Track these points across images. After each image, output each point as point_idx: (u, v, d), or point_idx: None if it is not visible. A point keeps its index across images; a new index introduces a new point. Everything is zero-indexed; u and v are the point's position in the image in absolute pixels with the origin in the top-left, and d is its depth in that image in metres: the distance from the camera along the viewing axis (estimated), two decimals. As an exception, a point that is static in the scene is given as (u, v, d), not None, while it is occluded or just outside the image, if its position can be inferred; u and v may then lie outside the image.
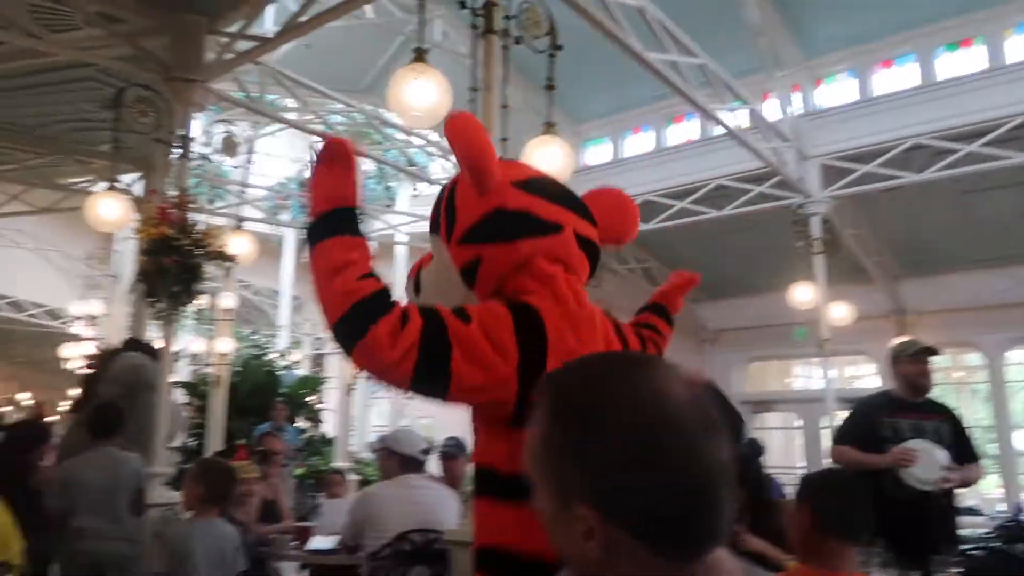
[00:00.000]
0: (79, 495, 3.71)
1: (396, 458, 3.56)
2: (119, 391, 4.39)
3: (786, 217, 7.79)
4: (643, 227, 8.25)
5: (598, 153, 9.43)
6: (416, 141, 8.17)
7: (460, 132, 1.47)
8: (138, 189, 6.98)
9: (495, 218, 1.49)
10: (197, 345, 11.16)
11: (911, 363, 3.78)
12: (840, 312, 7.15)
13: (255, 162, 5.49)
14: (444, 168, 8.52)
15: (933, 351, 3.80)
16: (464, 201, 1.52)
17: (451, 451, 4.54)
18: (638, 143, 9.18)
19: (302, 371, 14.50)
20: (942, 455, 3.49)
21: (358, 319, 1.25)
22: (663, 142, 8.84)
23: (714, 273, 10.47)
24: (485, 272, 1.50)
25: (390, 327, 1.25)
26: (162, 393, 4.40)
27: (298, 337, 16.19)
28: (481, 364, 1.30)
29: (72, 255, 14.31)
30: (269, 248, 11.90)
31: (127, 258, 9.88)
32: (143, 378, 4.59)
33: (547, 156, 3.76)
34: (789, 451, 11.12)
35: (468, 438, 1.53)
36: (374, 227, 11.49)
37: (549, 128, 3.84)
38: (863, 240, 8.66)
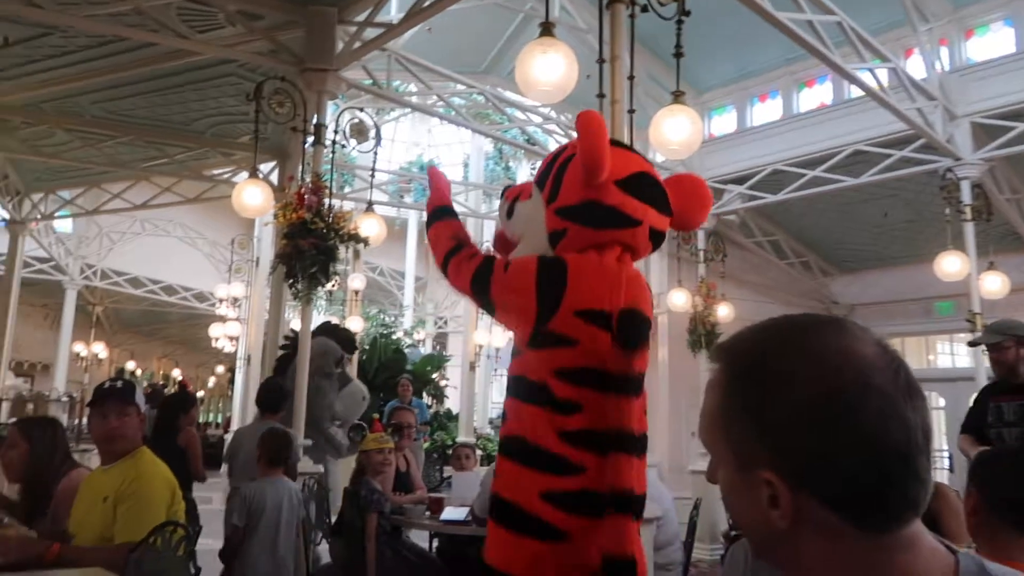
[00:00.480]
0: (247, 457, 4.22)
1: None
2: (310, 370, 4.96)
3: (930, 183, 7.26)
4: (771, 198, 8.01)
5: (722, 123, 9.10)
6: (535, 119, 8.18)
7: (587, 131, 1.85)
8: (275, 178, 7.39)
9: (591, 206, 1.90)
10: (330, 324, 11.77)
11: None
12: (994, 284, 6.60)
13: (382, 147, 5.68)
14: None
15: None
16: (572, 180, 1.91)
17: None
18: (765, 111, 8.78)
19: (426, 350, 14.99)
20: None
21: (445, 258, 2.13)
22: (792, 109, 8.41)
23: (847, 245, 9.94)
24: (567, 242, 1.93)
25: (458, 262, 2.09)
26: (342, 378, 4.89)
27: (422, 316, 16.71)
28: (507, 294, 1.97)
29: (217, 242, 15.38)
30: (393, 231, 12.31)
31: (267, 243, 10.48)
32: (326, 362, 5.09)
33: (675, 126, 3.67)
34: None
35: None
36: (494, 208, 11.63)
37: (678, 97, 3.73)
38: (1021, 205, 7.95)
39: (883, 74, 6.08)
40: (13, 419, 5.19)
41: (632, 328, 1.85)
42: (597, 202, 1.88)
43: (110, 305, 17.60)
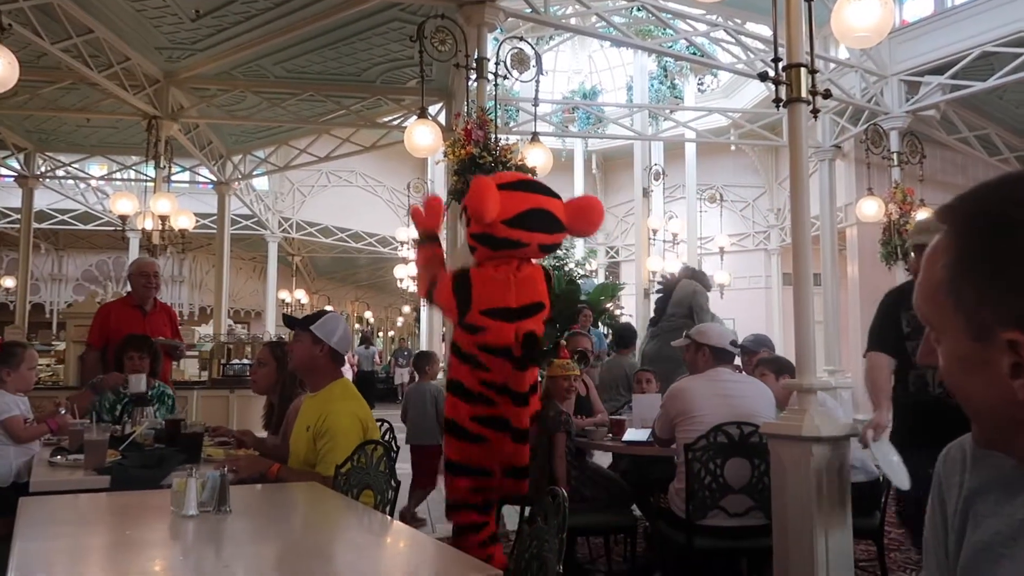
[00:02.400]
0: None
1: (705, 351, 3.53)
2: (682, 312, 5.61)
3: None
4: (979, 86, 7.09)
5: (915, 8, 8.11)
6: (700, 27, 7.72)
7: (472, 194, 2.88)
8: (443, 119, 7.59)
9: (487, 237, 2.93)
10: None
11: (915, 251, 3.11)
12: None
13: (543, 75, 5.64)
14: (732, 56, 7.97)
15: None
16: (474, 215, 2.90)
17: (752, 347, 4.40)
18: (968, -12, 7.71)
19: (599, 280, 15.00)
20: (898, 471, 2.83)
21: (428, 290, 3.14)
22: (1003, -20, 7.31)
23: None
24: (478, 256, 3.02)
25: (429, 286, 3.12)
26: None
27: (592, 247, 16.70)
28: (439, 301, 3.08)
29: (395, 188, 16.19)
30: (559, 163, 12.29)
31: (440, 183, 10.86)
32: (697, 303, 6.08)
33: (861, 10, 3.30)
34: None
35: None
36: (661, 128, 11.25)
37: (864, -20, 3.35)
38: None
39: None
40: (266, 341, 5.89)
41: (525, 349, 2.87)
42: (490, 235, 2.91)
43: (306, 255, 19.15)
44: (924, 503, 2.45)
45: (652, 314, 6.66)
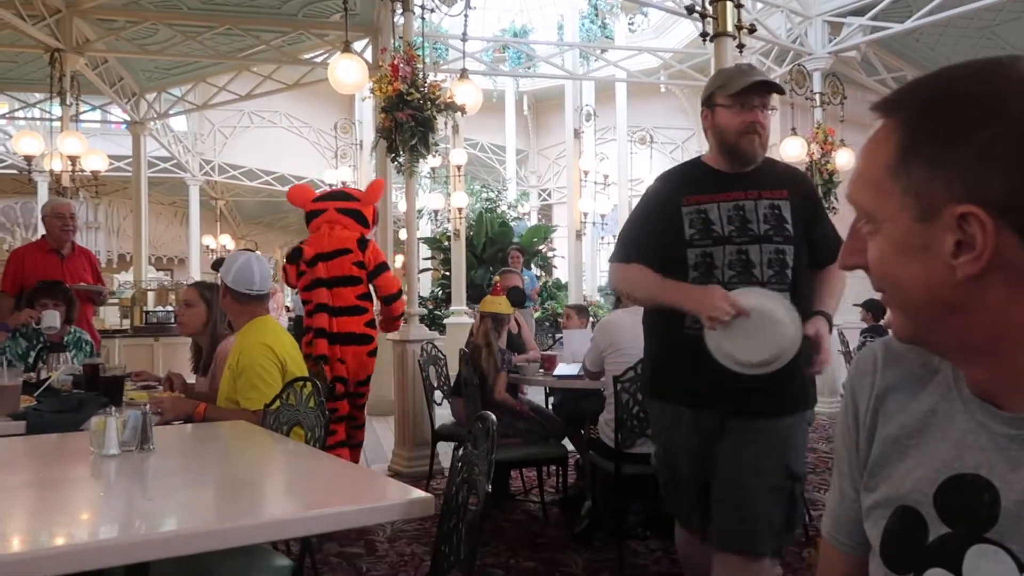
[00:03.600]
0: None
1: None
2: None
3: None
4: (897, 28, 7.27)
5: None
6: (630, -35, 7.63)
7: (293, 196, 4.49)
8: (369, 56, 7.35)
9: (307, 214, 4.32)
10: (435, 202, 11.95)
11: (732, 105, 2.12)
12: None
13: (472, 9, 5.48)
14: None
15: (773, 86, 2.18)
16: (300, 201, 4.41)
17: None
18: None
19: (532, 222, 15.04)
20: (788, 326, 1.92)
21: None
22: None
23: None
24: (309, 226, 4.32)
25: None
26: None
27: (525, 189, 16.68)
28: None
29: (322, 129, 15.70)
30: (489, 105, 12.13)
31: (367, 125, 10.59)
32: None
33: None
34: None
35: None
36: (592, 68, 11.20)
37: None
38: None
39: None
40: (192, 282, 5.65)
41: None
42: (309, 211, 4.34)
43: (231, 199, 18.52)
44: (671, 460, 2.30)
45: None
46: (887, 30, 7.40)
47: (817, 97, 7.50)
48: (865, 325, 7.13)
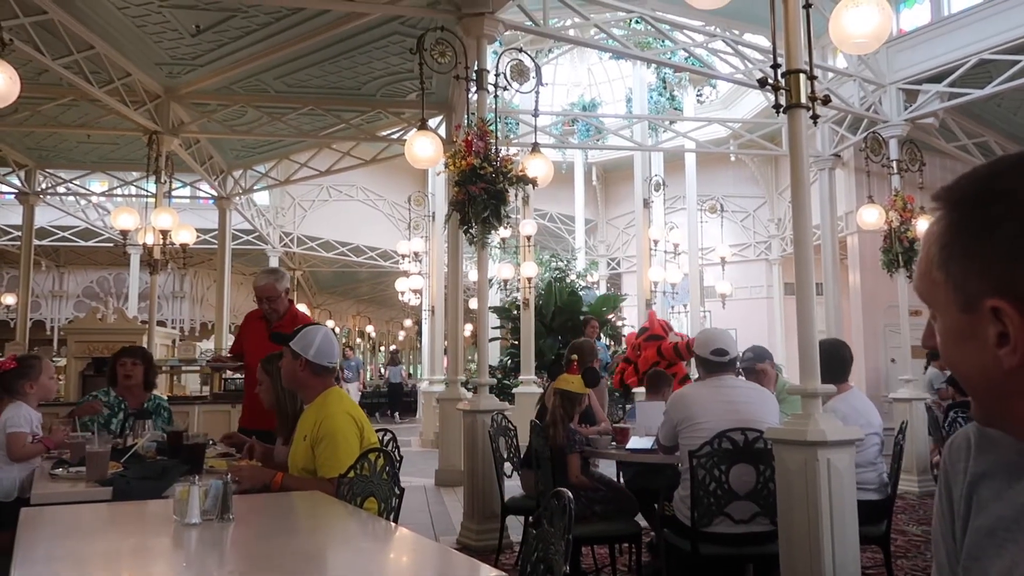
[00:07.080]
0: None
1: (702, 362, 3.53)
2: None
3: None
4: (977, 94, 7.12)
5: (912, 16, 8.15)
6: (697, 38, 7.75)
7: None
8: (444, 132, 7.61)
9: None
10: (505, 272, 12.07)
11: None
12: None
13: (543, 86, 5.64)
14: (731, 67, 8.00)
15: None
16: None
17: (750, 364, 4.35)
18: (964, -4, 7.75)
19: (601, 291, 14.99)
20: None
21: None
22: (999, -12, 7.35)
23: (1077, 141, 8.65)
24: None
25: None
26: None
27: (594, 258, 16.70)
28: None
29: (396, 202, 16.21)
30: (559, 175, 12.31)
31: (440, 197, 10.87)
32: None
33: (859, 16, 3.31)
34: None
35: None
36: (661, 139, 11.28)
37: (861, -14, 3.36)
38: None
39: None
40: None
41: None
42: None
43: (308, 269, 19.16)
44: None
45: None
46: (966, 96, 7.25)
47: (894, 164, 7.35)
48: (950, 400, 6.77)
